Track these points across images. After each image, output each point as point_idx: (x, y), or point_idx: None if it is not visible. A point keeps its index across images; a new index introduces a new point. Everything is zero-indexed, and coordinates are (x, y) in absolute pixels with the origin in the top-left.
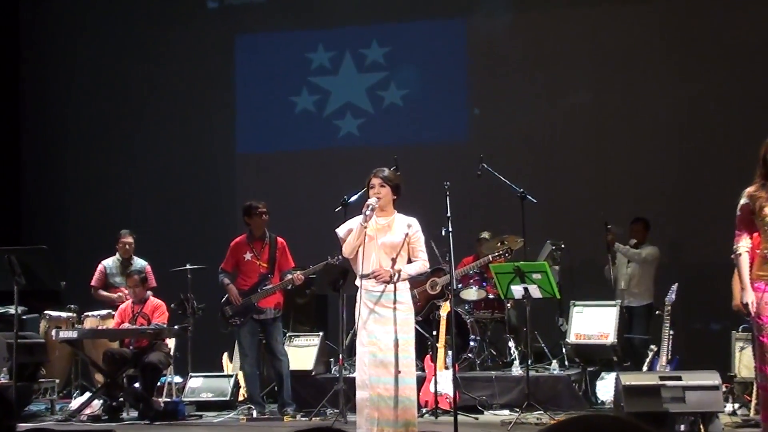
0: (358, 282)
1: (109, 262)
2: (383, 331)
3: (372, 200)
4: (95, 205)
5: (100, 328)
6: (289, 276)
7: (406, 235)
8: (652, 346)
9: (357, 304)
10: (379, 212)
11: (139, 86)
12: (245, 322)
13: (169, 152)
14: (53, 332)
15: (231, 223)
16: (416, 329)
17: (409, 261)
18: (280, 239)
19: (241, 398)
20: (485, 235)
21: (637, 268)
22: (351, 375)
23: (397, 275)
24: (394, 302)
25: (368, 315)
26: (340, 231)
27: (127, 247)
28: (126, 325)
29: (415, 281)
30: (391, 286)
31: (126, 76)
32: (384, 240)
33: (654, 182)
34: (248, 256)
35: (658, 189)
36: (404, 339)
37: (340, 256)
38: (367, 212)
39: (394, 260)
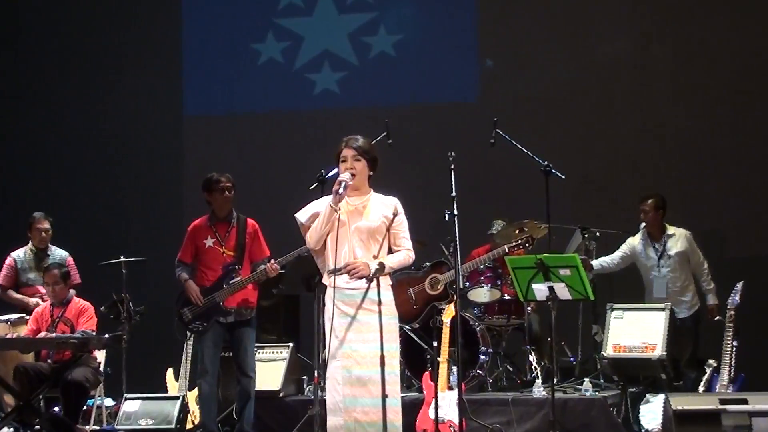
0: (326, 279)
1: (20, 254)
2: (360, 339)
3: (345, 175)
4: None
5: (9, 336)
6: (263, 266)
7: (388, 218)
8: (711, 361)
9: (326, 307)
10: (352, 192)
11: (58, 30)
12: (208, 328)
13: (97, 115)
14: None
15: (176, 203)
16: (412, 339)
17: (390, 251)
18: (250, 221)
19: (189, 425)
20: (497, 226)
21: (675, 264)
22: None
23: (378, 269)
24: (379, 304)
25: (342, 321)
26: (302, 216)
27: (42, 234)
28: (43, 334)
29: (412, 278)
30: (372, 284)
31: (41, 18)
32: (359, 225)
33: (711, 154)
34: (210, 242)
35: (717, 162)
36: (389, 349)
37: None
38: (340, 190)
39: (376, 254)
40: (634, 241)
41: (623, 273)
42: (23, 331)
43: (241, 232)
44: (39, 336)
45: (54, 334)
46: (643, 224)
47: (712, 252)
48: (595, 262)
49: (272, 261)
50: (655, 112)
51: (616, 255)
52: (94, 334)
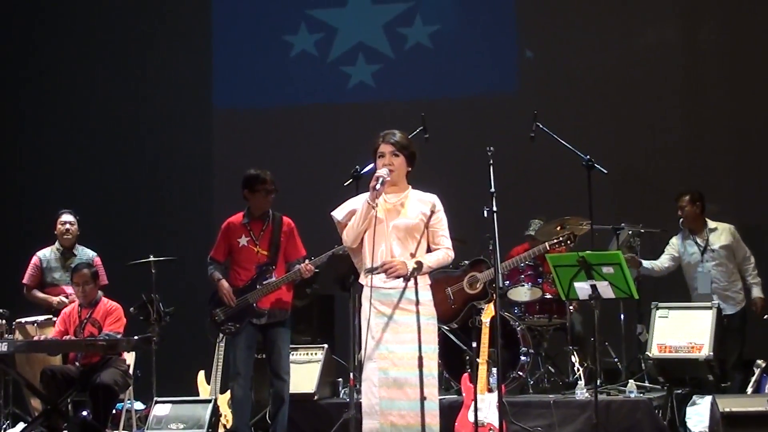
0: (363, 279)
1: (46, 253)
2: (398, 340)
3: (383, 171)
4: (27, 179)
5: (36, 338)
6: (297, 267)
7: (426, 216)
8: (760, 361)
9: (362, 307)
10: (389, 188)
11: (87, 24)
12: (241, 329)
13: (126, 109)
14: None
15: (206, 199)
16: (451, 340)
17: (428, 250)
18: (286, 219)
19: (221, 429)
20: (534, 226)
21: (720, 258)
22: None
23: (416, 268)
24: (416, 303)
25: (379, 321)
26: (338, 214)
27: (67, 228)
28: (66, 337)
29: (450, 277)
30: (410, 283)
31: (66, 11)
32: (396, 223)
33: (760, 146)
34: (243, 240)
35: (766, 154)
36: (426, 351)
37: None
38: (378, 187)
39: (414, 252)
40: (676, 240)
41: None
42: (50, 332)
43: (276, 231)
44: (66, 338)
45: (82, 337)
46: (681, 220)
47: (761, 247)
48: (646, 263)
49: (307, 261)
50: (702, 102)
51: (665, 258)
52: (120, 335)
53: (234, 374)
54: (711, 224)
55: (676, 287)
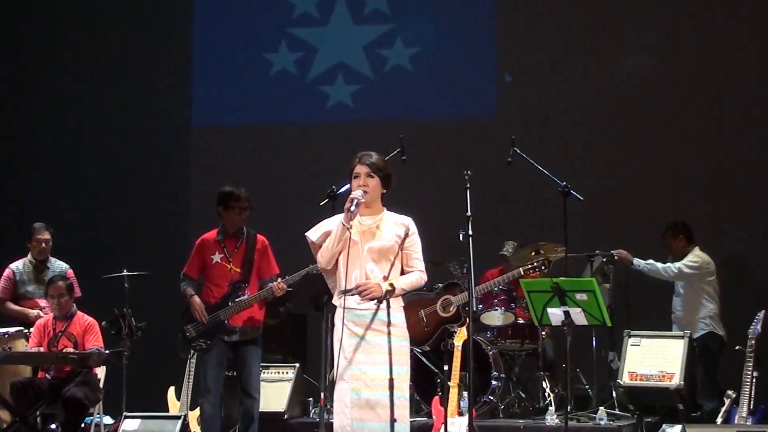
0: (336, 300)
1: (19, 266)
2: (370, 362)
3: (357, 192)
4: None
5: (4, 349)
6: (270, 285)
7: (400, 238)
8: (730, 392)
9: (335, 327)
10: (364, 210)
11: (63, 37)
12: (212, 346)
13: (101, 124)
14: None
15: (182, 216)
16: (422, 362)
17: (402, 272)
18: (260, 237)
19: None
20: (508, 247)
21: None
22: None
23: (389, 290)
24: (388, 325)
25: (352, 342)
26: (313, 235)
27: (43, 245)
28: (36, 348)
29: (424, 300)
30: (382, 305)
31: (46, 24)
32: (371, 245)
33: (739, 176)
34: (217, 257)
35: (745, 184)
36: (398, 372)
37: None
38: (352, 208)
39: (387, 274)
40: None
41: (641, 299)
42: (20, 345)
43: (250, 249)
44: (38, 350)
45: (53, 350)
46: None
47: (737, 277)
48: (644, 261)
49: (279, 279)
50: (679, 130)
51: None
52: (96, 349)
53: (204, 391)
54: (696, 251)
55: (649, 316)
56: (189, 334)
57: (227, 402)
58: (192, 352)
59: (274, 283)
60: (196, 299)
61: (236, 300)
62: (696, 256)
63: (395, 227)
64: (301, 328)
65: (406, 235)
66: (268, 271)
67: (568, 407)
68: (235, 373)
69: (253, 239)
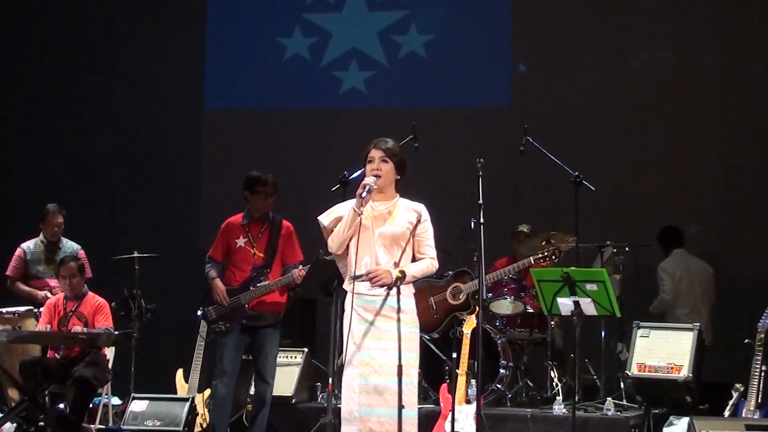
0: (347, 285)
1: (30, 246)
2: (379, 347)
3: (370, 179)
4: (11, 173)
5: (16, 329)
6: (292, 271)
7: (412, 224)
8: (738, 385)
9: (345, 313)
10: (377, 195)
11: (76, 20)
12: (231, 329)
13: (114, 107)
14: None
15: (193, 199)
16: (431, 349)
17: (414, 259)
18: (286, 223)
19: (198, 428)
20: (523, 228)
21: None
22: None
23: (399, 277)
24: (398, 311)
25: (361, 327)
26: (325, 219)
27: (56, 228)
28: (44, 327)
29: (434, 287)
30: (393, 291)
31: (58, 7)
32: (382, 231)
33: (750, 169)
34: (241, 241)
35: (755, 178)
36: (407, 359)
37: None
38: (364, 194)
39: (398, 260)
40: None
41: (651, 290)
42: (30, 324)
43: (275, 234)
44: (47, 330)
45: (63, 330)
46: None
47: (744, 272)
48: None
49: (300, 267)
50: (692, 123)
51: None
52: (105, 330)
53: (219, 372)
54: None
55: None
56: (209, 315)
57: (237, 385)
58: (210, 334)
59: (296, 270)
60: (218, 282)
61: (257, 285)
62: (660, 274)
63: (407, 213)
64: (310, 313)
65: (418, 221)
66: (292, 257)
67: (576, 397)
68: (250, 357)
69: (278, 225)
